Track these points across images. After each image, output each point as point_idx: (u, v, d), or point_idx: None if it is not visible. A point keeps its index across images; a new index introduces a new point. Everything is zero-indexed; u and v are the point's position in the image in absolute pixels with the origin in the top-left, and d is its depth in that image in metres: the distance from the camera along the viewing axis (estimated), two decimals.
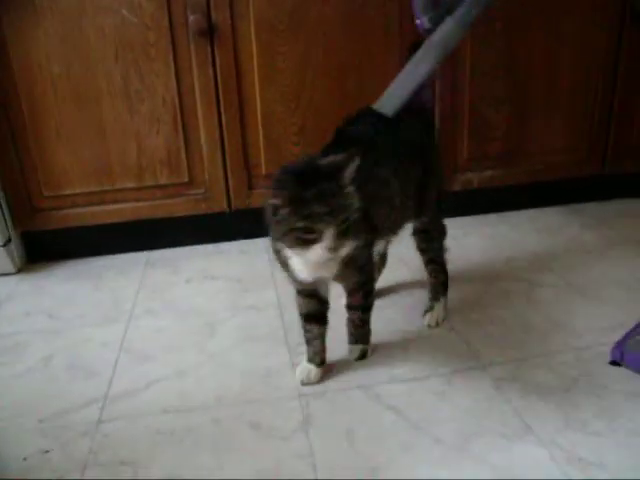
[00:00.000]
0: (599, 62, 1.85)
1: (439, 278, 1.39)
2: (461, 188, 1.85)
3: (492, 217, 1.98)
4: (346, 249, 0.98)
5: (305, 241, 0.95)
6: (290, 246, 0.98)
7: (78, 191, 1.68)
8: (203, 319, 1.46)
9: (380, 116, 1.22)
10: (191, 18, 1.55)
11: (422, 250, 1.36)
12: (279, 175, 0.97)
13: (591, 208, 2.04)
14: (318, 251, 0.95)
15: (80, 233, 1.75)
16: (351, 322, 1.26)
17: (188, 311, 1.50)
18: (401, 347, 1.31)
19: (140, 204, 1.72)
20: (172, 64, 1.60)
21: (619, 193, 2.08)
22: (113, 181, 1.69)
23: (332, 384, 1.21)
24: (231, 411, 1.15)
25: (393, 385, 1.20)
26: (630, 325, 1.31)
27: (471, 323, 1.39)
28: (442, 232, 1.38)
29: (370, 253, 1.18)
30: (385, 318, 1.42)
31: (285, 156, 1.72)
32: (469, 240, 1.83)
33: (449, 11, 1.14)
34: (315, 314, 1.21)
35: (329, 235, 0.94)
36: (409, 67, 1.18)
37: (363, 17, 1.66)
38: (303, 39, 1.64)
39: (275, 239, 1.03)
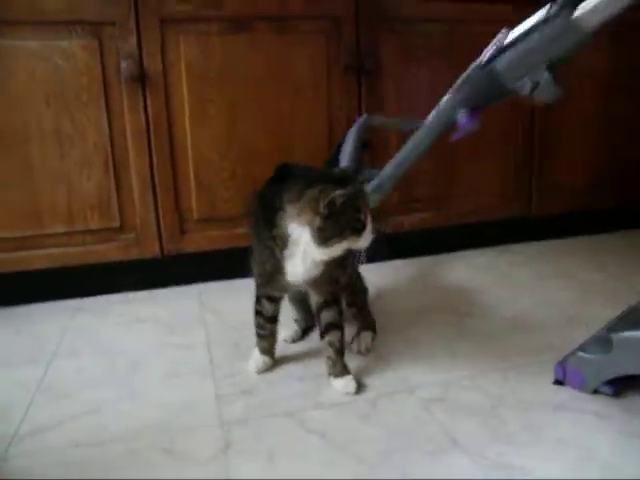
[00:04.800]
0: (518, 109, 1.97)
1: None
2: (392, 231, 1.89)
3: (423, 259, 2.02)
4: (376, 230, 1.17)
5: (358, 230, 1.12)
6: (345, 238, 1.12)
7: (5, 236, 1.63)
8: (127, 358, 1.40)
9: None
10: (123, 65, 1.60)
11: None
12: (324, 181, 1.12)
13: (519, 248, 2.11)
14: (367, 236, 1.14)
15: (6, 279, 1.68)
16: (333, 347, 1.27)
17: (113, 351, 1.44)
18: (326, 374, 1.28)
19: (70, 249, 1.68)
20: (104, 109, 1.62)
21: (545, 234, 2.16)
22: (42, 226, 1.65)
23: (256, 411, 1.17)
24: (148, 441, 1.09)
25: (318, 411, 1.17)
26: (558, 347, 1.33)
27: (399, 351, 1.39)
28: None
29: (345, 271, 1.32)
30: (311, 346, 1.42)
31: (216, 200, 1.74)
32: (400, 279, 1.86)
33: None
34: (275, 316, 1.33)
35: (369, 221, 1.14)
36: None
37: (292, 72, 1.74)
38: (233, 88, 1.70)
39: (328, 237, 1.11)
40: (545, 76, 1.04)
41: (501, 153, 2.00)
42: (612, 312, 1.38)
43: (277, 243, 1.16)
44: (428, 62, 1.85)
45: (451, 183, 1.96)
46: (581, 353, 1.17)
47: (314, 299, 1.29)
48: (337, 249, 1.14)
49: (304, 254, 1.15)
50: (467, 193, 1.99)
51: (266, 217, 1.17)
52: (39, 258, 1.67)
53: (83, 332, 1.56)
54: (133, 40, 1.61)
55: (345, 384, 1.25)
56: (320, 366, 1.32)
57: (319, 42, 1.75)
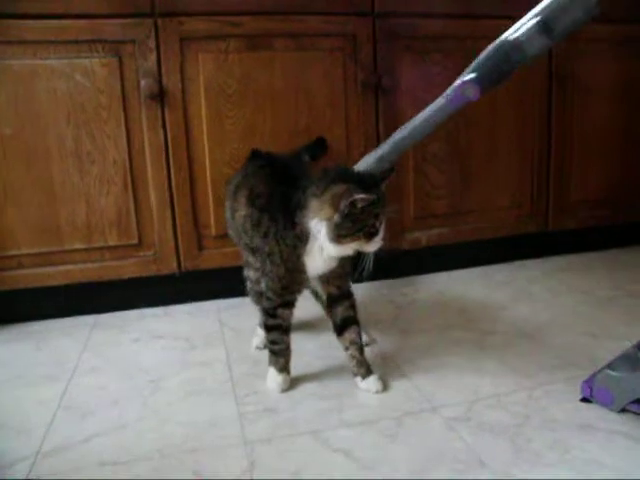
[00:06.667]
0: (534, 123, 1.99)
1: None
2: (409, 247, 1.89)
3: (440, 275, 2.02)
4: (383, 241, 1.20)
5: (370, 234, 1.16)
6: (357, 239, 1.16)
7: (25, 252, 1.64)
8: (148, 376, 1.40)
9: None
10: (143, 82, 1.61)
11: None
12: (349, 181, 1.16)
13: (535, 264, 2.10)
14: (377, 241, 1.18)
15: (25, 295, 1.69)
16: (355, 345, 1.31)
17: (133, 369, 1.44)
18: (350, 393, 1.28)
19: (88, 265, 1.69)
20: (123, 126, 1.63)
21: (561, 249, 2.16)
22: (61, 242, 1.66)
23: (279, 430, 1.16)
24: (173, 461, 1.08)
25: (342, 429, 1.15)
26: (581, 364, 1.34)
27: (423, 369, 1.37)
28: None
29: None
30: (333, 360, 1.41)
31: None
32: (419, 296, 1.85)
33: None
34: (289, 326, 1.32)
35: (382, 229, 1.18)
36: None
37: (309, 89, 1.75)
38: (251, 104, 1.71)
39: (341, 235, 1.15)
40: None
41: (517, 168, 2.00)
42: (631, 329, 1.38)
43: (301, 239, 1.20)
44: (445, 79, 1.84)
45: (467, 198, 1.96)
46: (609, 371, 1.16)
47: (325, 294, 1.32)
48: (347, 248, 1.19)
49: (321, 248, 1.20)
50: (483, 208, 1.99)
51: (285, 217, 1.22)
52: (58, 274, 1.68)
53: (102, 349, 1.56)
54: (153, 58, 1.62)
55: (373, 383, 1.29)
56: (340, 383, 1.32)
57: (337, 60, 1.76)
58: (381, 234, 1.18)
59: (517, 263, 2.11)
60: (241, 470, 1.05)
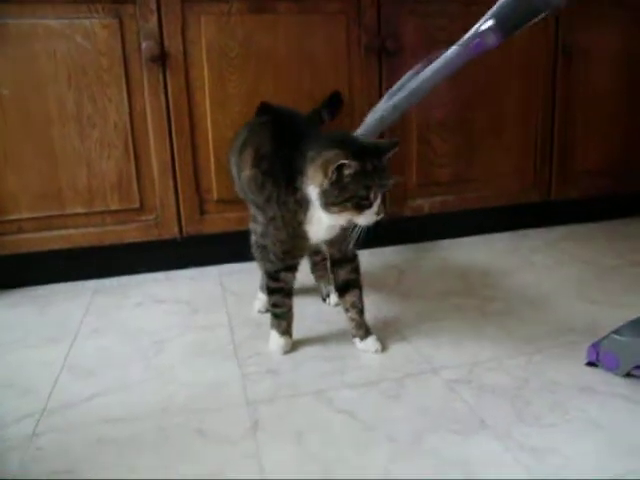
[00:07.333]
0: (538, 93, 1.97)
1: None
2: (412, 214, 1.90)
3: (443, 242, 2.02)
4: (382, 214, 1.15)
5: (361, 206, 1.11)
6: (346, 210, 1.13)
7: (26, 216, 1.63)
8: (151, 338, 1.41)
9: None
10: (144, 45, 1.59)
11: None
12: (343, 147, 1.12)
13: (538, 233, 2.10)
14: (369, 215, 1.13)
15: (27, 260, 1.69)
16: (356, 309, 1.32)
17: (136, 331, 1.45)
18: (352, 355, 1.30)
19: (90, 230, 1.68)
20: (125, 89, 1.61)
21: (564, 219, 2.16)
22: (62, 206, 1.65)
23: (282, 391, 1.17)
24: (177, 419, 1.10)
25: (344, 390, 1.17)
26: (581, 330, 1.36)
27: (423, 333, 1.38)
28: None
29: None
30: (335, 324, 1.43)
31: None
32: (422, 262, 1.86)
33: None
34: (292, 289, 1.33)
35: (377, 203, 1.13)
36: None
37: (312, 52, 1.73)
38: (254, 68, 1.69)
39: (328, 203, 1.13)
40: None
41: (521, 137, 1.99)
42: (632, 297, 1.39)
43: (301, 205, 1.19)
44: (449, 44, 1.82)
45: (471, 167, 1.95)
46: (616, 336, 1.17)
47: (329, 256, 1.33)
48: (339, 218, 1.15)
49: (320, 216, 1.18)
50: (487, 177, 1.98)
51: (288, 182, 1.20)
52: (59, 238, 1.67)
53: (104, 312, 1.57)
54: (154, 20, 1.59)
55: (372, 343, 1.31)
56: (342, 346, 1.34)
57: (340, 23, 1.73)
58: (375, 208, 1.13)
59: (520, 232, 2.11)
60: (244, 429, 1.06)
